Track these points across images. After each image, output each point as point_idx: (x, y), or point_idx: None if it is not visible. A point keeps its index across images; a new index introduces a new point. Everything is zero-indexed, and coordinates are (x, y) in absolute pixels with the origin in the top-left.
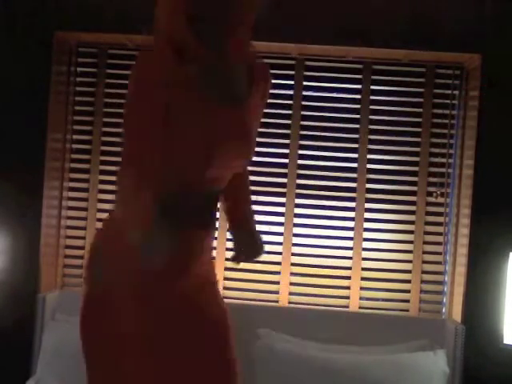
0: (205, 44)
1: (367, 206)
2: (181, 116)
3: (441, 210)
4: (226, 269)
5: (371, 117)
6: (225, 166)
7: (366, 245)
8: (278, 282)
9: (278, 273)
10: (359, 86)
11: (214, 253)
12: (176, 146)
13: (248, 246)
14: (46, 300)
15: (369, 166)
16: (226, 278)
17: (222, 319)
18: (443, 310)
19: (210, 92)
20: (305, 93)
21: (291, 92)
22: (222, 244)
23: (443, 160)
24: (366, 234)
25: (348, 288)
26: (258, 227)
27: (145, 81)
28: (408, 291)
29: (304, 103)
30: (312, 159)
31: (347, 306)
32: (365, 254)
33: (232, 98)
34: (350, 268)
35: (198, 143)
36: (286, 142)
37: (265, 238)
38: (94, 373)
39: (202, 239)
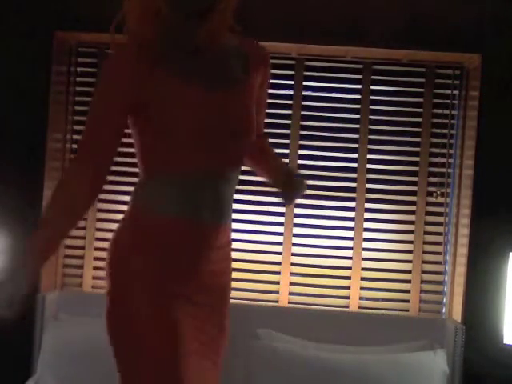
0: (180, 32)
1: (367, 206)
2: (164, 107)
3: (441, 210)
4: None
5: (371, 117)
6: (222, 148)
7: (365, 245)
8: (278, 282)
9: (278, 273)
10: (359, 86)
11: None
12: (166, 135)
13: (291, 187)
14: (46, 300)
15: (369, 166)
16: None
17: (218, 336)
18: (443, 310)
19: (192, 80)
20: (305, 93)
21: (291, 92)
22: None
23: (443, 160)
24: (366, 234)
25: (348, 288)
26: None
27: (109, 77)
28: (408, 291)
29: (304, 103)
30: (312, 159)
31: (347, 306)
32: (365, 254)
33: (218, 82)
34: (350, 268)
35: (185, 131)
36: (286, 142)
37: (265, 238)
38: (123, 367)
39: (213, 235)
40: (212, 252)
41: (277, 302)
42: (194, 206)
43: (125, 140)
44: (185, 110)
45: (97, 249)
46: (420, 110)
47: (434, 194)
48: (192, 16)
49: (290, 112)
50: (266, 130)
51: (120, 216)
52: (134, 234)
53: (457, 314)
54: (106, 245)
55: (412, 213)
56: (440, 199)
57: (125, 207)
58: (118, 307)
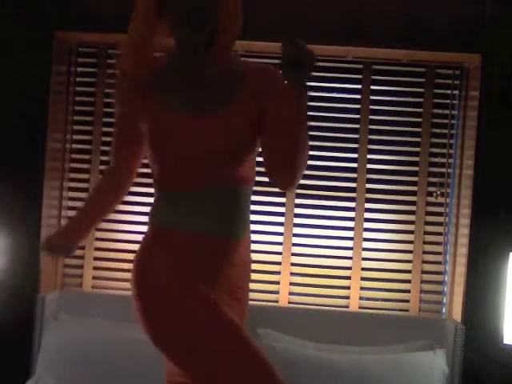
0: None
1: (367, 206)
2: (155, 135)
3: (441, 210)
4: None
5: (371, 117)
6: (212, 169)
7: (365, 245)
8: (278, 282)
9: (278, 273)
10: (359, 86)
11: None
12: (159, 157)
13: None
14: (46, 300)
15: (369, 166)
16: None
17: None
18: (443, 310)
19: (181, 109)
20: None
21: None
22: None
23: (443, 160)
24: (366, 234)
25: (348, 288)
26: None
27: (115, 99)
28: (408, 291)
29: None
30: (312, 159)
31: (347, 306)
32: (365, 254)
33: (206, 108)
34: (350, 268)
35: (174, 155)
36: None
37: (265, 238)
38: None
39: (228, 249)
40: (229, 266)
41: (277, 301)
42: (191, 220)
43: None
44: (172, 137)
45: (97, 249)
46: (420, 110)
47: (434, 193)
48: (198, 47)
49: None
50: None
51: (120, 216)
52: (149, 245)
53: (457, 314)
54: (105, 245)
55: (412, 213)
56: (440, 199)
57: (125, 207)
58: (155, 315)
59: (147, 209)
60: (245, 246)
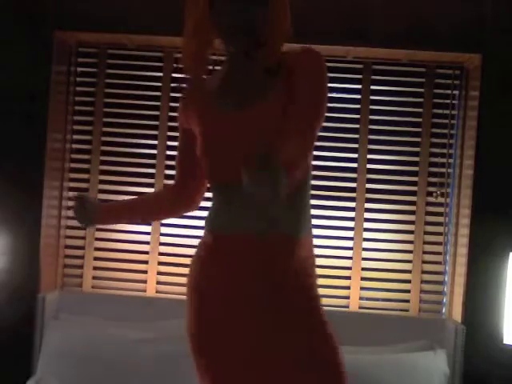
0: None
1: (367, 205)
2: (200, 130)
3: (441, 210)
4: None
5: (371, 117)
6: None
7: (365, 245)
8: None
9: None
10: (359, 86)
11: None
12: (205, 153)
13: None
14: (46, 300)
15: (369, 166)
16: None
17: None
18: (443, 310)
19: (225, 106)
20: None
21: None
22: None
23: (443, 160)
24: (366, 234)
25: (348, 288)
26: None
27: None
28: (408, 291)
29: None
30: (312, 159)
31: (347, 306)
32: (365, 254)
33: (235, 103)
34: (350, 268)
35: (217, 150)
36: None
37: None
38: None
39: (282, 246)
40: (284, 263)
41: None
42: (252, 221)
43: (125, 140)
44: (218, 133)
45: (97, 249)
46: (420, 109)
47: (434, 193)
48: (244, 52)
49: None
50: None
51: None
52: (207, 255)
53: (457, 314)
54: (105, 245)
55: (412, 213)
56: (440, 199)
57: None
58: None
59: None
60: (309, 243)
